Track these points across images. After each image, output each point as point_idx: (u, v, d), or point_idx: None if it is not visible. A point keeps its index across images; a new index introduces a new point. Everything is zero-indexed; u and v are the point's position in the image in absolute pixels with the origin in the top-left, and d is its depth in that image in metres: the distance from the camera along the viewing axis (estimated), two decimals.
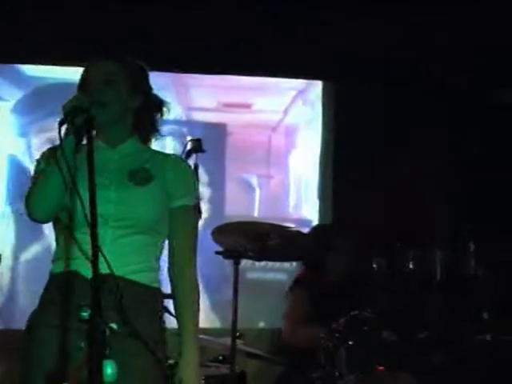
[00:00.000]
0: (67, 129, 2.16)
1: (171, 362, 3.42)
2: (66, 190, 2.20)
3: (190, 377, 2.36)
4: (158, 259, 2.40)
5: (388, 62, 5.19)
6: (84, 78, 2.39)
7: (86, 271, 2.17)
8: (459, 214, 5.19)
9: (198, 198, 2.47)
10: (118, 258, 2.23)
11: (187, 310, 2.38)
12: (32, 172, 2.37)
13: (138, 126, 2.43)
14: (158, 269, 2.40)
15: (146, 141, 2.48)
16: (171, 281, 2.40)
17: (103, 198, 2.19)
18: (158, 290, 2.38)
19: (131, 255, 2.29)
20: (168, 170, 2.40)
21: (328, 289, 4.31)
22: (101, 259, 2.05)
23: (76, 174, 2.14)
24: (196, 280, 2.42)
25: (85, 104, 2.16)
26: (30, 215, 2.25)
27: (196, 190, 2.47)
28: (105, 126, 2.34)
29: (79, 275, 2.24)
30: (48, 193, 2.22)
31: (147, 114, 2.44)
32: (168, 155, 2.48)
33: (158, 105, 2.48)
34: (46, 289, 2.34)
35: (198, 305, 2.40)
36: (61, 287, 2.27)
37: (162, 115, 2.48)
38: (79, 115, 2.13)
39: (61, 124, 2.11)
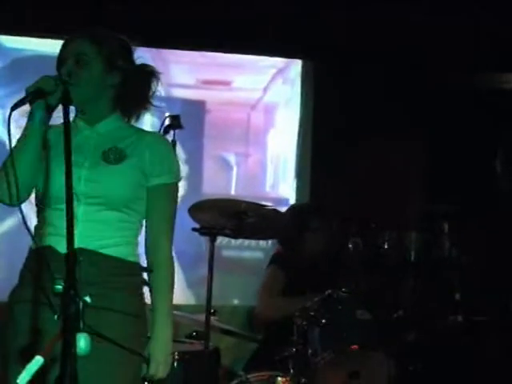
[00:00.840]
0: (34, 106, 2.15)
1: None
2: (36, 170, 2.21)
3: (159, 351, 2.36)
4: (135, 236, 2.40)
5: (368, 42, 5.19)
6: (59, 55, 2.38)
7: (61, 246, 2.19)
8: (434, 195, 5.23)
9: (178, 175, 2.47)
10: (90, 232, 2.25)
11: (161, 285, 2.39)
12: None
13: (118, 101, 2.42)
14: (135, 244, 2.40)
15: (131, 116, 2.46)
16: (147, 257, 2.42)
17: (75, 175, 2.17)
18: (136, 263, 2.38)
19: (104, 230, 2.30)
20: (145, 148, 2.39)
21: (303, 268, 4.33)
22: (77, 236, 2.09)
23: (49, 152, 2.19)
24: (171, 256, 2.43)
25: (49, 87, 2.15)
26: (2, 200, 2.25)
27: (175, 167, 2.46)
28: (81, 105, 2.34)
29: (54, 250, 2.26)
30: (22, 174, 2.19)
31: (128, 89, 2.41)
32: (147, 133, 2.47)
33: (145, 78, 2.44)
34: (24, 265, 2.36)
35: (173, 280, 2.41)
36: (36, 262, 2.28)
37: (149, 88, 2.44)
38: (40, 98, 2.13)
39: (15, 107, 2.11)
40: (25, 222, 1.93)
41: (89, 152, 2.33)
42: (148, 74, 2.46)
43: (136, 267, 2.38)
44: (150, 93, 2.45)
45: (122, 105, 2.43)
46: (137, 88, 2.43)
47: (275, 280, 4.20)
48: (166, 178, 2.41)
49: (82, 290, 1.82)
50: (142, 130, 2.47)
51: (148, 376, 2.39)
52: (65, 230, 2.05)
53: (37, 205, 2.35)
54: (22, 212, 2.06)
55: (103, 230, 2.28)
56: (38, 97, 2.15)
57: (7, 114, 2.09)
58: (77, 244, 1.96)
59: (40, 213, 2.34)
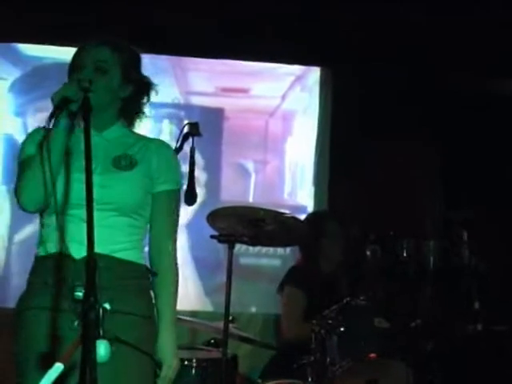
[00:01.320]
0: (57, 115, 2.18)
1: None
2: (55, 176, 2.23)
3: (170, 355, 2.39)
4: (142, 240, 2.43)
5: (386, 48, 5.18)
6: (75, 61, 2.38)
7: (75, 252, 2.23)
8: (452, 203, 5.20)
9: (180, 182, 2.52)
10: (102, 238, 2.24)
11: (165, 291, 2.42)
12: (20, 156, 2.37)
13: (124, 112, 2.45)
14: (142, 248, 2.43)
15: (131, 124, 2.49)
16: (151, 262, 2.43)
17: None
18: (145, 266, 2.41)
19: (115, 235, 2.31)
20: (152, 154, 2.42)
21: (322, 276, 4.33)
22: (84, 239, 2.10)
23: (69, 158, 2.21)
24: (176, 261, 2.46)
25: (73, 94, 2.18)
26: (20, 205, 2.27)
27: (179, 173, 2.50)
28: (93, 112, 2.34)
29: (68, 256, 2.26)
30: (38, 184, 2.22)
31: (135, 101, 2.45)
32: (152, 140, 2.50)
33: (147, 90, 2.48)
34: (34, 272, 2.35)
35: (177, 286, 2.44)
36: (50, 269, 2.28)
37: (148, 100, 2.49)
38: (68, 106, 2.16)
39: (52, 116, 2.14)
40: (61, 230, 1.92)
41: (99, 158, 2.34)
42: (148, 86, 2.49)
43: (145, 270, 2.40)
44: (147, 103, 2.50)
45: (127, 113, 2.46)
46: (141, 99, 2.47)
47: (295, 303, 4.20)
48: (172, 184, 2.45)
49: (100, 296, 1.84)
50: (146, 137, 2.50)
51: (162, 381, 2.40)
52: (77, 236, 2.09)
53: (43, 211, 2.34)
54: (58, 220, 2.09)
55: (115, 235, 2.29)
56: (65, 105, 2.17)
57: (43, 125, 2.16)
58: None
59: (46, 219, 2.33)
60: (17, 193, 2.26)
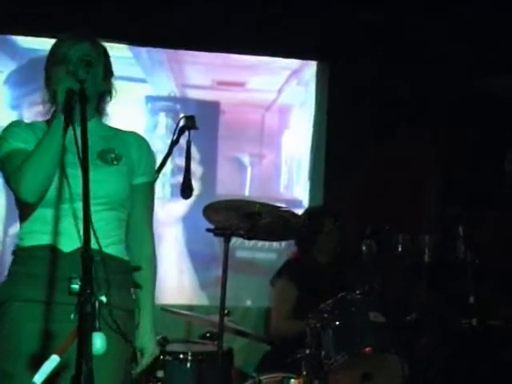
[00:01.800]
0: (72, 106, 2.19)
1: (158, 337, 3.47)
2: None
3: (152, 344, 2.47)
4: (125, 233, 2.45)
5: (383, 43, 5.18)
6: (59, 54, 2.38)
7: (65, 245, 2.26)
8: (448, 198, 5.21)
9: (154, 175, 2.57)
10: (94, 232, 2.25)
11: (146, 281, 2.46)
12: (2, 149, 2.35)
13: (99, 107, 2.47)
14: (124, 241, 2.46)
15: (101, 117, 2.52)
16: (130, 253, 2.45)
17: (74, 176, 2.24)
18: (129, 262, 2.43)
19: (106, 229, 2.32)
20: (131, 147, 2.46)
21: (318, 270, 4.34)
22: (75, 233, 2.22)
23: (65, 152, 2.23)
24: (155, 253, 2.52)
25: (74, 86, 2.20)
26: (21, 196, 2.26)
27: (155, 166, 2.58)
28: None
29: (55, 249, 2.27)
30: (46, 173, 2.23)
31: (107, 97, 2.48)
32: (129, 132, 2.52)
33: (113, 87, 2.51)
34: (17, 262, 2.36)
35: (155, 276, 2.50)
36: (38, 260, 2.29)
37: (111, 98, 2.50)
38: (75, 98, 2.18)
39: (69, 108, 2.15)
40: (89, 221, 1.92)
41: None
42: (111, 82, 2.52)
43: (129, 265, 2.43)
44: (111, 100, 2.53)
45: (101, 108, 2.49)
46: (111, 95, 2.50)
47: (286, 298, 4.24)
48: (149, 176, 2.51)
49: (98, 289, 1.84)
50: (121, 130, 2.53)
51: (142, 367, 2.48)
52: (68, 230, 2.16)
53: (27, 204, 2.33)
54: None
55: (103, 229, 2.28)
56: (73, 96, 2.20)
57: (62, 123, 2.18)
58: (80, 243, 2.04)
59: (33, 212, 2.33)
60: (15, 184, 2.25)
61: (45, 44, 4.83)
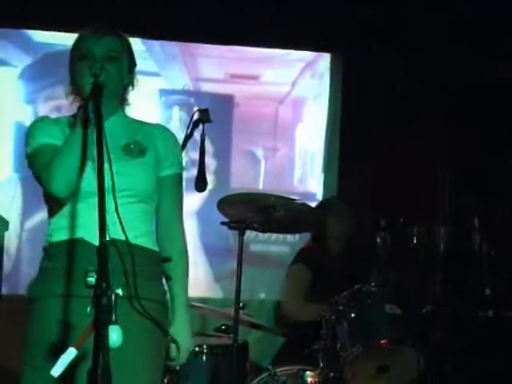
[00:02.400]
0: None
1: None
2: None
3: (186, 339, 2.44)
4: (154, 225, 2.45)
5: (400, 36, 5.16)
6: (83, 50, 2.38)
7: (93, 238, 2.19)
8: (463, 189, 5.19)
9: (183, 166, 2.55)
10: (122, 224, 2.24)
11: (179, 275, 2.45)
12: (30, 145, 2.36)
13: (123, 99, 2.48)
14: (155, 233, 2.45)
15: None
16: (161, 248, 2.44)
17: (107, 169, 2.22)
18: (159, 253, 2.42)
19: (133, 221, 2.31)
20: (157, 139, 2.46)
21: (332, 261, 4.34)
22: (110, 228, 2.11)
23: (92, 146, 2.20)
24: (186, 245, 2.50)
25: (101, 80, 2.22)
26: (53, 191, 2.24)
27: (181, 158, 2.55)
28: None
29: (86, 242, 2.27)
30: (75, 167, 2.23)
31: (131, 89, 2.49)
32: (154, 125, 2.52)
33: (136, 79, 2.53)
34: (47, 258, 2.35)
35: (188, 269, 2.48)
36: (65, 255, 2.29)
37: (133, 88, 2.52)
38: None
39: (98, 103, 2.15)
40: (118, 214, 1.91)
41: (108, 147, 2.29)
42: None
43: (159, 256, 2.42)
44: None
45: (124, 101, 2.49)
46: (133, 87, 2.50)
47: (300, 280, 4.25)
48: (177, 168, 2.49)
49: (116, 281, 1.84)
50: (146, 123, 2.52)
51: (178, 363, 2.47)
52: (97, 223, 2.08)
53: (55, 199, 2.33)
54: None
55: (132, 221, 2.29)
56: (100, 90, 2.21)
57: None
58: (110, 235, 2.04)
59: (61, 207, 2.33)
60: (46, 180, 2.24)
61: (58, 38, 4.91)
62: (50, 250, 2.34)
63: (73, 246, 2.28)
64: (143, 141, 2.43)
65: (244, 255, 3.37)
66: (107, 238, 2.14)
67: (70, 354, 1.79)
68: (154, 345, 2.34)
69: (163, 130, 2.53)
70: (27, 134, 2.39)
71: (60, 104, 2.37)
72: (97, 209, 1.98)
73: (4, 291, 4.83)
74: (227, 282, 4.85)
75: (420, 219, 4.70)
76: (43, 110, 4.93)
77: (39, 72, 5.02)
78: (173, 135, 2.53)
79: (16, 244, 5.03)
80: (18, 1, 4.72)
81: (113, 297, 1.81)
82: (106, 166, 2.20)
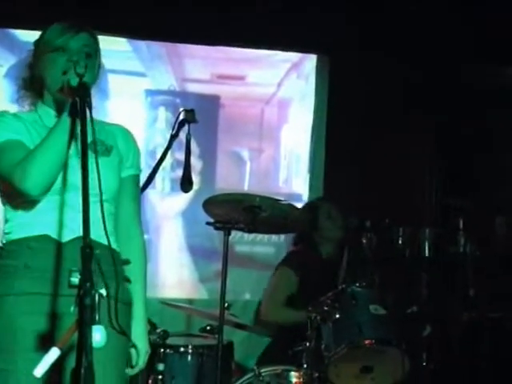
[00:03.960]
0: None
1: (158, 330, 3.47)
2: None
3: (146, 343, 2.42)
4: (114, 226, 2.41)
5: (384, 37, 5.17)
6: (61, 43, 2.34)
7: (62, 235, 2.23)
8: (448, 191, 5.22)
9: (141, 167, 2.53)
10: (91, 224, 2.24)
11: (138, 276, 2.43)
12: None
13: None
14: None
15: None
16: (120, 247, 2.40)
17: (70, 165, 2.24)
18: (120, 254, 2.39)
19: (100, 221, 2.21)
20: (119, 139, 2.44)
21: (322, 264, 4.34)
22: (73, 223, 2.20)
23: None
24: (144, 244, 2.49)
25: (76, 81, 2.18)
26: (25, 189, 2.19)
27: (140, 159, 2.52)
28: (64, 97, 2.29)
29: (51, 239, 2.24)
30: (57, 167, 2.21)
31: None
32: (115, 125, 2.50)
33: None
34: (6, 256, 2.29)
35: (146, 269, 2.47)
36: (30, 252, 2.25)
37: None
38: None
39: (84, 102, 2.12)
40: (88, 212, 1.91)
41: (74, 143, 2.30)
42: None
43: (121, 258, 2.39)
44: None
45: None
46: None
47: (284, 284, 4.25)
48: (137, 169, 2.49)
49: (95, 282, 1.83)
50: (107, 123, 2.49)
51: (140, 367, 2.44)
52: (62, 220, 2.14)
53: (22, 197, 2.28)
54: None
55: (99, 221, 2.21)
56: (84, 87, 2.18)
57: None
58: (78, 233, 2.05)
59: (22, 204, 2.28)
60: (18, 178, 2.18)
61: None
62: (9, 248, 2.29)
63: (36, 242, 2.24)
64: (107, 140, 2.40)
65: (229, 256, 3.36)
66: (75, 236, 2.15)
67: (54, 353, 1.78)
68: (125, 346, 2.33)
69: (124, 130, 2.51)
70: None
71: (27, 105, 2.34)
72: (60, 206, 2.04)
73: None
74: (212, 282, 4.85)
75: (405, 220, 4.72)
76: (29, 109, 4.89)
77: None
78: (133, 136, 2.51)
79: None
80: (3, 0, 4.70)
81: (96, 297, 1.80)
82: (74, 163, 2.22)
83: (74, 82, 2.18)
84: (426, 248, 4.62)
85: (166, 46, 5.24)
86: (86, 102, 2.11)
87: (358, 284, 3.68)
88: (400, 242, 4.57)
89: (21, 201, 2.28)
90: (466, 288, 4.44)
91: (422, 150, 5.30)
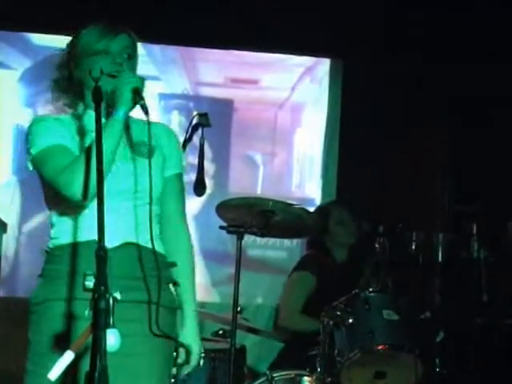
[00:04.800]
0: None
1: None
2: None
3: (197, 343, 2.39)
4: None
5: (397, 40, 5.17)
6: (105, 45, 2.33)
7: (107, 241, 2.18)
8: (462, 196, 5.19)
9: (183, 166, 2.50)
10: (134, 227, 2.24)
11: (186, 277, 2.42)
12: (36, 145, 2.26)
13: None
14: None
15: None
16: (167, 248, 2.38)
17: (116, 171, 2.22)
18: (166, 257, 2.37)
19: (146, 225, 2.23)
20: (161, 138, 2.40)
21: (337, 269, 4.32)
22: (118, 229, 2.18)
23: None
24: (192, 246, 2.47)
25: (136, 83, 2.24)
26: (72, 195, 2.16)
27: (182, 157, 2.50)
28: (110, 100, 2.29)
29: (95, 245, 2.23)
30: (104, 171, 2.14)
31: None
32: (156, 124, 2.43)
33: None
34: (53, 261, 2.28)
35: (195, 271, 2.47)
36: (72, 258, 2.23)
37: None
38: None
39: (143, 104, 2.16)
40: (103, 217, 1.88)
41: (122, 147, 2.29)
42: None
43: (167, 261, 2.36)
44: None
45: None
46: None
47: (302, 288, 4.21)
48: (180, 167, 2.45)
49: (116, 285, 1.83)
50: (149, 121, 2.39)
51: (191, 368, 2.42)
52: (109, 225, 2.02)
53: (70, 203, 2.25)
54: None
55: (145, 224, 2.23)
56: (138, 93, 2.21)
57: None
58: (124, 239, 2.12)
59: (72, 209, 2.25)
60: (65, 183, 2.16)
61: (58, 41, 4.89)
62: (55, 253, 2.27)
63: (82, 248, 2.22)
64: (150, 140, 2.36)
65: (242, 260, 3.36)
66: (121, 242, 2.16)
67: (68, 357, 1.78)
68: (166, 355, 2.32)
69: (167, 129, 2.48)
70: (30, 134, 2.28)
71: (59, 107, 2.34)
72: (110, 212, 1.97)
73: (1, 294, 4.83)
74: (224, 286, 4.85)
75: (419, 225, 4.70)
76: (42, 112, 4.90)
77: (38, 75, 5.01)
78: (175, 134, 2.49)
79: (14, 247, 5.03)
80: (17, 4, 4.72)
81: (111, 300, 1.80)
82: (130, 166, 2.23)
83: (130, 86, 2.20)
84: (440, 253, 4.61)
85: (179, 49, 5.26)
86: (143, 106, 2.14)
87: (371, 289, 3.68)
88: (413, 247, 4.56)
89: (67, 206, 2.25)
90: (479, 293, 4.42)
91: (436, 154, 5.28)
